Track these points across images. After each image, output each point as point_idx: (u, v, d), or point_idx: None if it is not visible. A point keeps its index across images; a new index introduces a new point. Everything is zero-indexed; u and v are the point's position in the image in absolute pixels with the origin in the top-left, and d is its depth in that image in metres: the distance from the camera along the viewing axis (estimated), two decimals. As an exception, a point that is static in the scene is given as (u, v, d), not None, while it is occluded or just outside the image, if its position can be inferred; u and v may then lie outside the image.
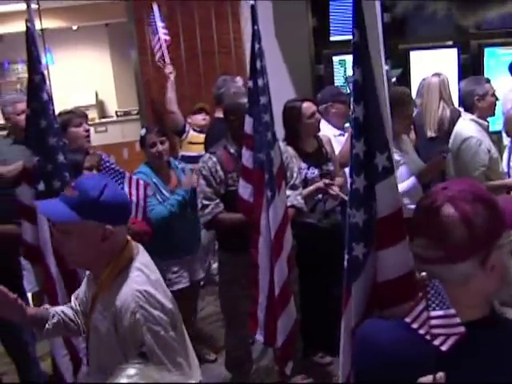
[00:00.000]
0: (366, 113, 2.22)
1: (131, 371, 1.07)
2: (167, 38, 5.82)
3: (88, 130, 4.19)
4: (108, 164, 3.59)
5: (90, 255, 2.14)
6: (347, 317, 2.31)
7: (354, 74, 2.24)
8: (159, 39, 5.79)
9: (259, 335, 3.51)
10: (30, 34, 3.16)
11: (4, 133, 5.06)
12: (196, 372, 2.32)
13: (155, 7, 5.80)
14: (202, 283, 5.46)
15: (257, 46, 3.33)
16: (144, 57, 6.36)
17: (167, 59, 5.70)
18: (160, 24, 5.79)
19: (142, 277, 2.13)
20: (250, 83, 3.37)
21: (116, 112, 10.04)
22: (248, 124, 3.37)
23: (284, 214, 3.33)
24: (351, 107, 2.28)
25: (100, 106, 10.15)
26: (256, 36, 3.34)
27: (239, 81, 5.26)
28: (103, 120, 9.99)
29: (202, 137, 5.39)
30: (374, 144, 2.23)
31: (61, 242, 2.18)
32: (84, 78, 9.89)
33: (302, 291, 4.02)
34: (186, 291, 4.29)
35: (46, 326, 2.34)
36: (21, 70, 10.71)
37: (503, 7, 5.15)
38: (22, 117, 4.75)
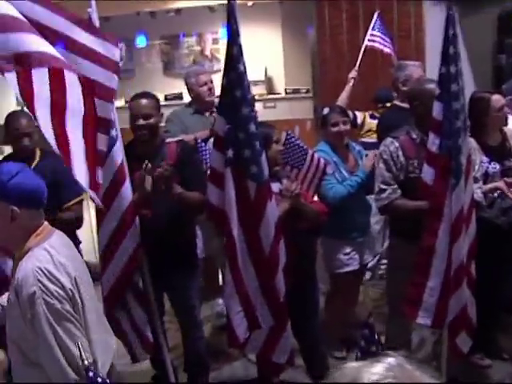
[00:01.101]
0: None
1: (392, 361, 1.03)
2: (371, 45, 5.71)
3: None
4: (293, 140, 3.65)
5: (3, 235, 2.41)
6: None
7: None
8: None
9: (424, 319, 3.50)
10: (230, 6, 3.23)
11: (181, 102, 5.26)
12: (106, 355, 2.52)
13: (376, 15, 5.74)
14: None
15: (451, 31, 3.33)
16: (323, 36, 6.36)
17: (357, 65, 5.62)
18: (370, 31, 5.70)
19: (46, 256, 2.32)
20: (443, 69, 3.33)
21: (285, 89, 10.14)
22: (437, 109, 3.34)
23: (470, 202, 3.37)
24: None
25: (268, 82, 10.29)
26: (450, 21, 3.31)
27: (412, 65, 5.10)
28: (272, 96, 10.13)
29: None
30: None
31: None
32: (254, 54, 10.02)
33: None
34: (354, 274, 4.29)
35: None
36: (193, 42, 11.08)
37: None
38: (205, 88, 4.95)
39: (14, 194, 2.31)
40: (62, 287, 2.30)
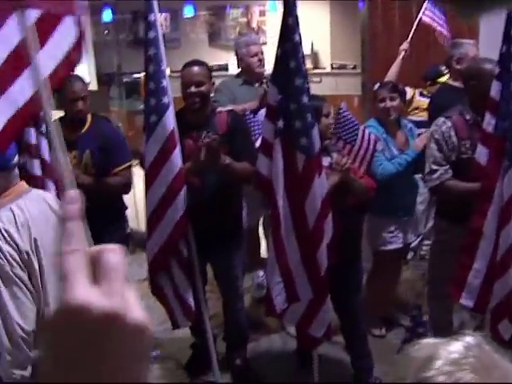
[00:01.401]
0: None
1: (471, 340, 0.99)
2: (425, 19, 5.62)
3: None
4: (345, 114, 3.60)
5: None
6: None
7: None
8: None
9: (467, 301, 3.46)
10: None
11: (227, 73, 5.20)
12: None
13: None
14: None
15: (511, 11, 3.22)
16: (374, 11, 6.22)
17: (409, 37, 5.54)
18: (426, 5, 5.61)
19: (10, 217, 2.35)
20: (504, 48, 3.26)
21: (331, 64, 10.00)
22: (495, 89, 3.25)
23: None
24: None
25: (314, 56, 10.15)
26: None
27: (467, 44, 4.97)
28: (317, 71, 9.97)
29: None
30: None
31: None
32: (301, 28, 9.90)
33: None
34: (396, 252, 4.25)
35: None
36: (239, 14, 10.99)
37: None
38: (255, 59, 4.89)
39: None
40: (18, 251, 2.33)
